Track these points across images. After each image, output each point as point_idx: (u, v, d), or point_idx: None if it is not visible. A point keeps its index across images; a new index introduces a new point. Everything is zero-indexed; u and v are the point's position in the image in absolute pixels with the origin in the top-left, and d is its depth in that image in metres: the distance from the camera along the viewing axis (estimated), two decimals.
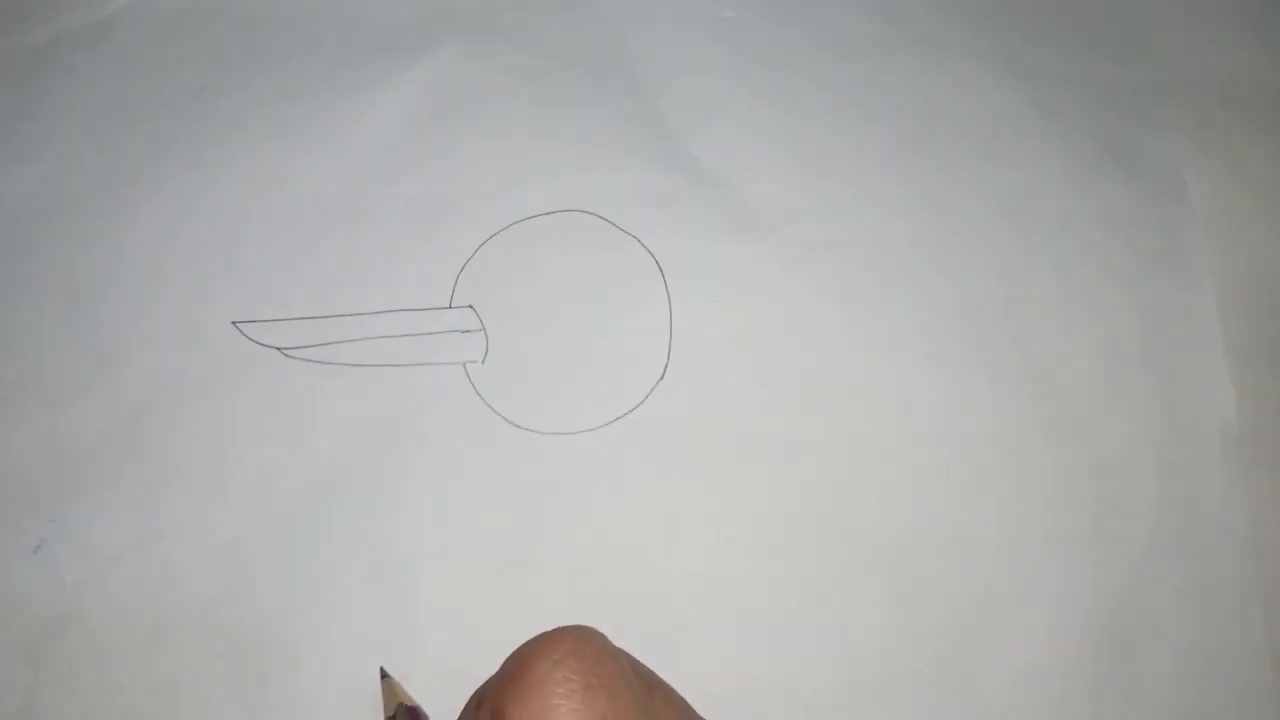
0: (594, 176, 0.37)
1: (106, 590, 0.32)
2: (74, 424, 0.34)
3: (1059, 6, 0.42)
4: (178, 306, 0.35)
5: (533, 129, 0.38)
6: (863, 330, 0.35)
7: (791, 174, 0.38)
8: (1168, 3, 0.42)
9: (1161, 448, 0.35)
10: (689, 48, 0.40)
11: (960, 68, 0.40)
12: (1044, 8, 0.42)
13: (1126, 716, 0.33)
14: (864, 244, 0.37)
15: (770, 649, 0.32)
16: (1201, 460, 0.35)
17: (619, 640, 0.25)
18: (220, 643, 0.32)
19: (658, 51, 0.40)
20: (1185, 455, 0.35)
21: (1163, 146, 0.40)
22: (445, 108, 0.38)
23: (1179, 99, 0.41)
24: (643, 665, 0.25)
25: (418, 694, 0.31)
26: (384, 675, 0.31)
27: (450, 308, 0.35)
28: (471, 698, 0.25)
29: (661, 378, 0.35)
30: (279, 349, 0.35)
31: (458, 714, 0.25)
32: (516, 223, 0.37)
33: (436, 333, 0.35)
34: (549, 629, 0.23)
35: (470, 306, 0.35)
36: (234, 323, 0.35)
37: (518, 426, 0.34)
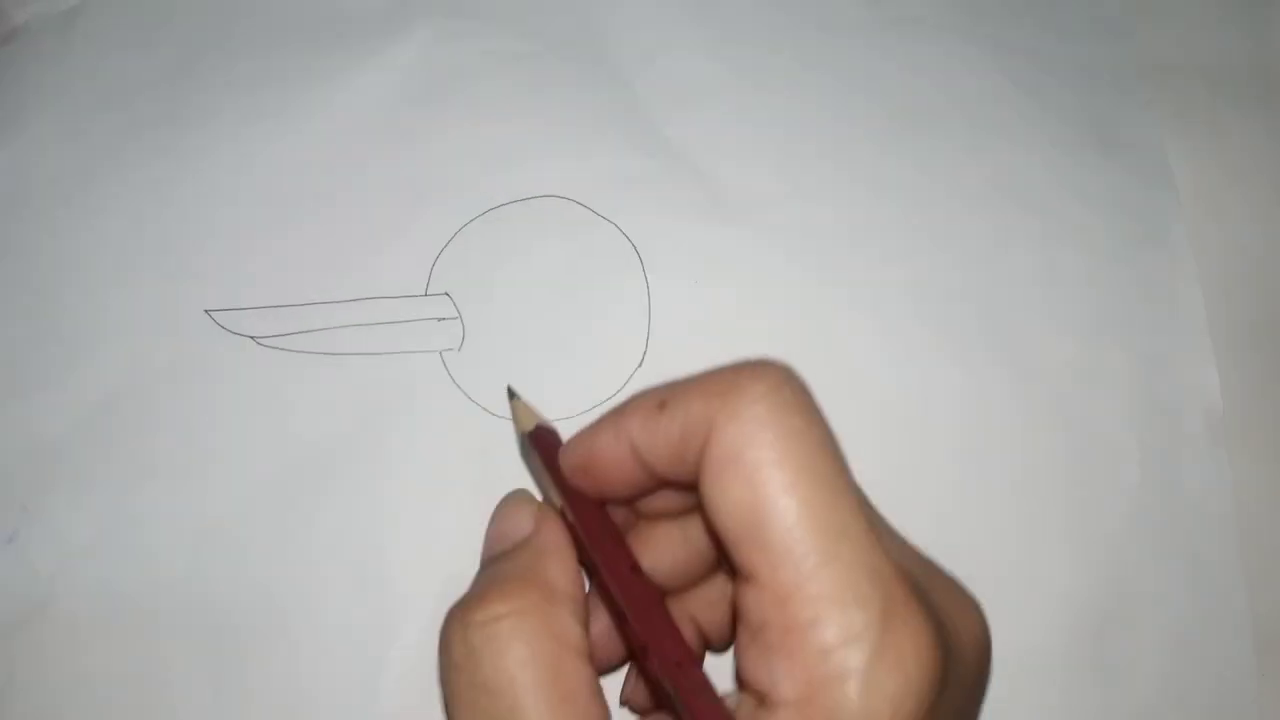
0: (571, 161, 0.37)
1: (81, 580, 0.32)
2: (45, 413, 0.33)
3: None
4: (150, 294, 0.35)
5: (509, 113, 0.38)
6: (842, 314, 0.35)
7: (771, 157, 0.38)
8: None
9: (1144, 430, 0.35)
10: (667, 28, 0.39)
11: (942, 48, 0.40)
12: None
13: (1109, 699, 0.33)
14: (843, 228, 0.37)
15: None
16: (1184, 443, 0.35)
17: None
18: (196, 633, 0.31)
19: (636, 32, 0.39)
20: (1168, 438, 0.35)
21: (1146, 127, 0.39)
22: (420, 92, 0.38)
23: (1163, 79, 0.40)
24: None
25: (397, 682, 0.31)
26: (512, 395, 0.29)
27: (426, 295, 0.35)
28: (641, 400, 0.24)
29: (640, 364, 0.34)
30: (252, 337, 0.34)
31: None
32: (493, 209, 0.36)
33: (412, 320, 0.35)
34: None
35: (446, 294, 0.35)
36: (207, 311, 0.35)
37: (495, 414, 0.34)
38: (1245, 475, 0.35)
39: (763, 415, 0.22)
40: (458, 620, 0.23)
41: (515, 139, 0.37)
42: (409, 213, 0.36)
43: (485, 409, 0.34)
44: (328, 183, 0.36)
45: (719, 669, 0.29)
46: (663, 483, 0.24)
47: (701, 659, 0.29)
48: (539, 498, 0.29)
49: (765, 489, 0.21)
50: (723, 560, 0.25)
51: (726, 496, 0.22)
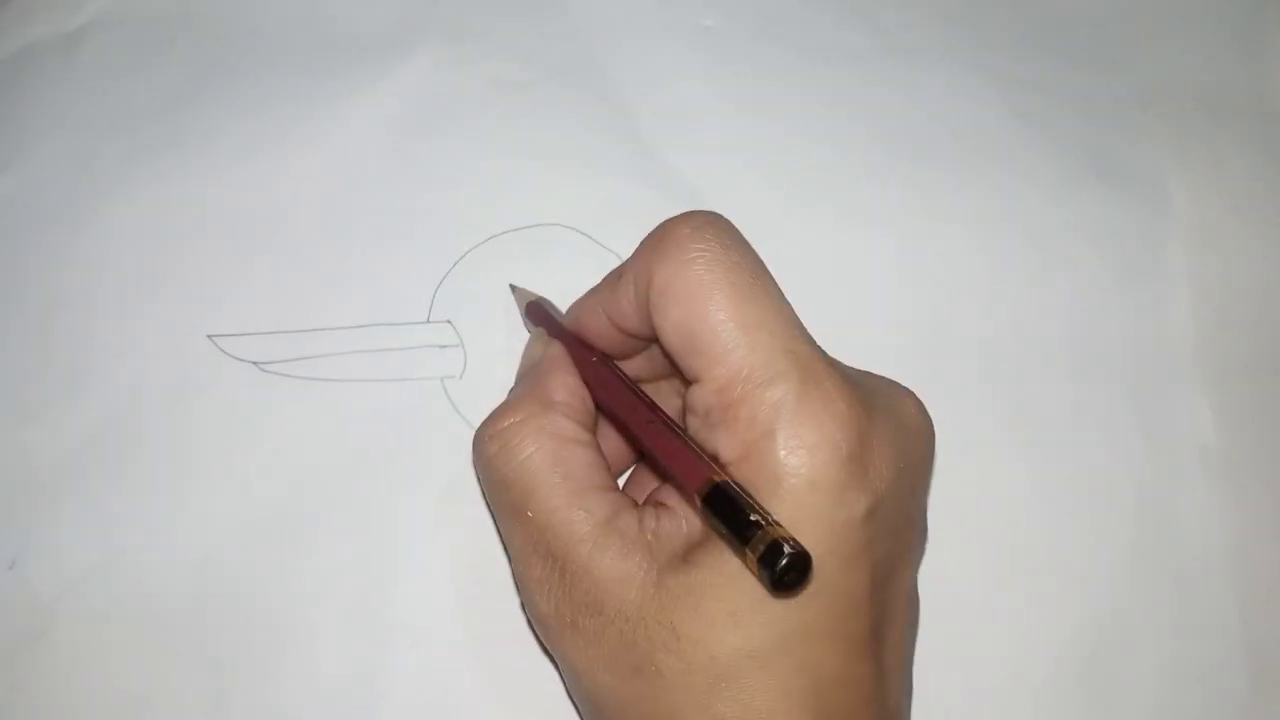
0: (572, 190, 0.37)
1: (81, 606, 0.32)
2: (48, 438, 0.33)
3: (1041, 17, 0.42)
4: (152, 319, 0.35)
5: (511, 141, 0.38)
6: (836, 344, 0.35)
7: (770, 186, 0.38)
8: (1150, 13, 0.42)
9: (1139, 464, 0.35)
10: (669, 58, 0.40)
11: (942, 79, 0.40)
12: (1025, 18, 0.42)
13: None
14: (840, 259, 0.37)
15: None
16: (1179, 477, 0.35)
17: None
18: (196, 659, 0.31)
19: (637, 61, 0.39)
20: (1163, 472, 0.35)
21: (1144, 157, 0.40)
22: (423, 119, 0.38)
23: (1160, 109, 0.41)
24: None
25: (398, 711, 0.31)
26: (512, 288, 0.35)
27: (428, 322, 0.35)
28: (607, 276, 0.29)
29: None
30: (255, 363, 0.34)
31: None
32: (495, 236, 0.36)
33: (414, 348, 0.35)
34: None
35: (448, 321, 0.35)
36: (209, 336, 0.35)
37: None
38: (1240, 509, 0.35)
39: (688, 251, 0.26)
40: (478, 437, 0.28)
41: (517, 167, 0.37)
42: (411, 240, 0.36)
43: None
44: (330, 209, 0.37)
45: None
46: (638, 339, 0.29)
47: None
48: None
49: (694, 305, 0.25)
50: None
51: (667, 319, 0.26)
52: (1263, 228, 0.39)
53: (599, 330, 0.29)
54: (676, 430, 0.26)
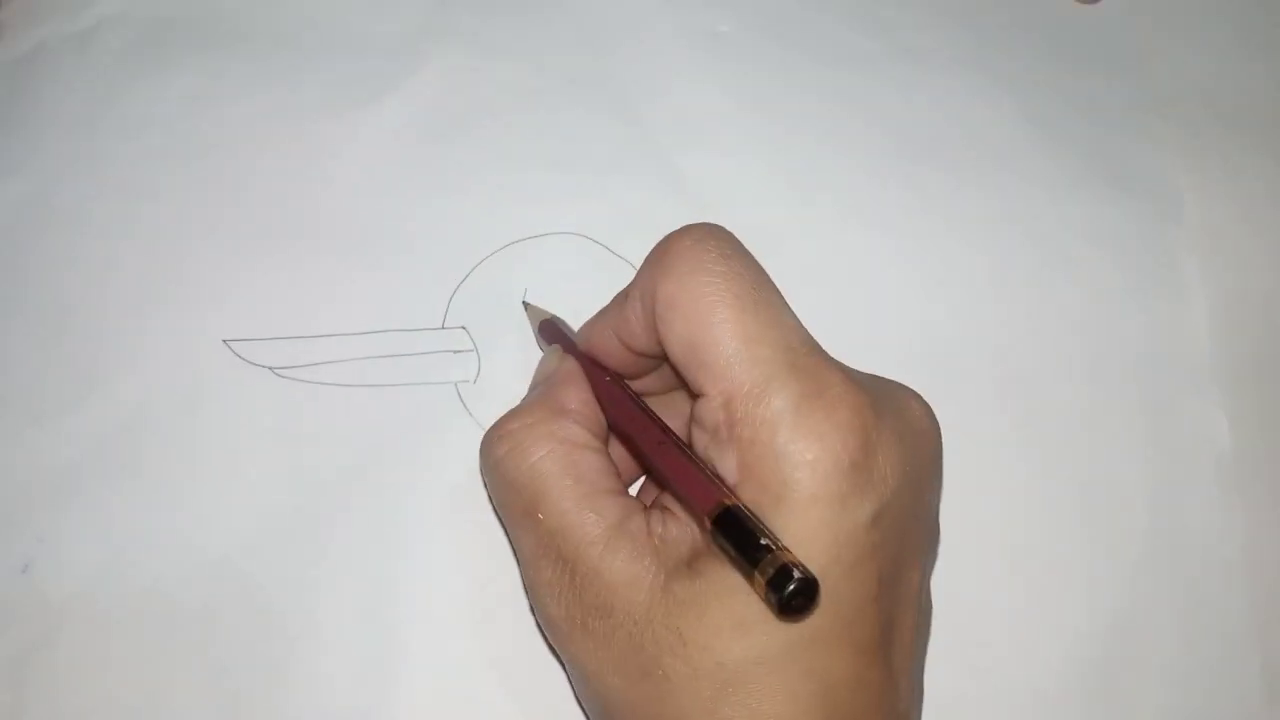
0: (587, 198, 0.37)
1: (93, 610, 0.32)
2: (62, 442, 0.33)
3: (1054, 21, 0.42)
4: (167, 324, 0.35)
5: (525, 149, 0.38)
6: (847, 350, 0.35)
7: (783, 193, 0.38)
8: (1163, 17, 0.42)
9: (1151, 471, 0.35)
10: (681, 63, 0.40)
11: (953, 82, 0.40)
12: (1038, 22, 0.42)
13: None
14: (851, 263, 0.37)
15: None
16: (1193, 484, 0.35)
17: None
18: (207, 663, 0.31)
19: (651, 67, 0.39)
20: (1177, 479, 0.35)
21: (1156, 162, 0.40)
22: (438, 126, 0.38)
23: (1171, 113, 0.41)
24: None
25: (409, 714, 0.31)
26: (526, 305, 0.35)
27: (443, 328, 0.35)
28: (616, 297, 0.29)
29: None
30: (270, 368, 0.34)
31: None
32: (510, 244, 0.36)
33: (429, 353, 0.35)
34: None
35: (463, 327, 0.35)
36: (225, 341, 0.35)
37: None
38: (1254, 517, 0.35)
39: (690, 264, 0.26)
40: (487, 439, 0.28)
41: (531, 175, 0.37)
42: (426, 246, 0.36)
43: None
44: (346, 214, 0.37)
45: None
46: (648, 358, 0.29)
47: None
48: None
49: (697, 319, 0.25)
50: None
51: (671, 333, 0.26)
52: (1275, 233, 0.39)
53: (610, 350, 0.29)
54: (686, 452, 0.26)
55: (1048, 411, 0.36)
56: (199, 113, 0.38)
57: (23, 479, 0.33)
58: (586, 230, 0.37)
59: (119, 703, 0.31)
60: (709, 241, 0.26)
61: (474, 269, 0.36)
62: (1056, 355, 0.36)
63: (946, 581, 0.32)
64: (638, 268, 0.36)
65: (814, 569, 0.23)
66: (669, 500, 0.27)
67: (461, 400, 0.34)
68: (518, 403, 0.30)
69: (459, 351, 0.35)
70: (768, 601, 0.23)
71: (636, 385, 0.30)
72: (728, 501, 0.24)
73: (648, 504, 0.28)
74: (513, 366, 0.35)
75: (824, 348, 0.26)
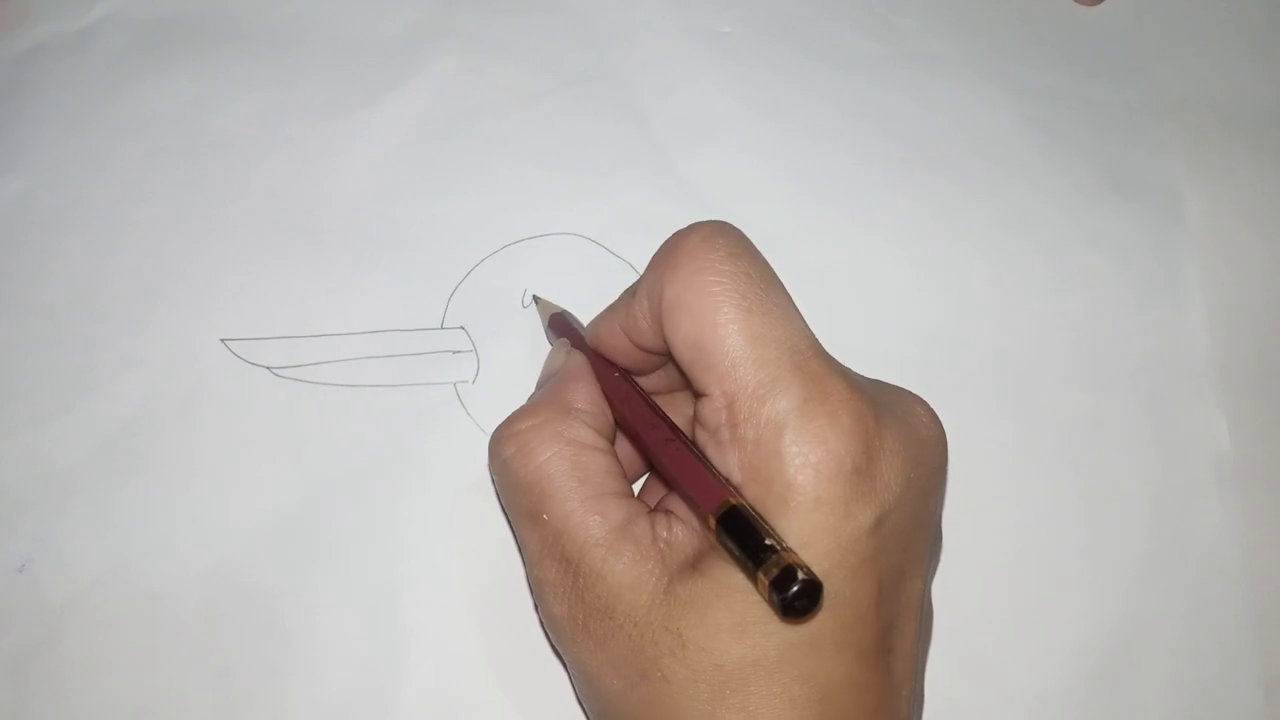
0: (588, 199, 0.37)
1: (91, 611, 0.32)
2: (59, 442, 0.33)
3: (1058, 26, 0.42)
4: (165, 323, 0.35)
5: (526, 149, 0.38)
6: (852, 354, 0.35)
7: (785, 195, 0.38)
8: (1166, 23, 0.42)
9: (1154, 475, 0.35)
10: (685, 65, 0.40)
11: (957, 88, 0.40)
12: (1042, 27, 0.42)
13: None
14: (856, 268, 0.37)
15: None
16: (1194, 488, 0.35)
17: None
18: (205, 665, 0.31)
19: (653, 68, 0.39)
20: (1177, 483, 0.35)
21: (1158, 167, 0.40)
22: (439, 126, 0.38)
23: (1178, 120, 0.40)
24: None
25: (404, 717, 0.31)
26: (536, 299, 0.35)
27: (442, 328, 0.35)
28: (624, 293, 0.29)
29: None
30: (268, 368, 0.34)
31: None
32: (509, 245, 0.36)
33: (428, 353, 0.35)
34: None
35: (462, 328, 0.35)
36: (223, 340, 0.35)
37: None
38: (1254, 521, 0.35)
39: (697, 262, 0.26)
40: (496, 438, 0.28)
41: (532, 175, 0.37)
42: (426, 246, 0.36)
43: None
44: (345, 214, 0.37)
45: None
46: (655, 355, 0.29)
47: None
48: None
49: (703, 318, 0.25)
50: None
51: (677, 332, 0.26)
52: (1276, 237, 0.39)
53: (617, 347, 0.29)
54: (693, 450, 0.26)
55: (1048, 415, 0.36)
56: (197, 113, 0.38)
57: (20, 479, 0.33)
58: (587, 231, 0.37)
59: (119, 704, 0.31)
60: (717, 240, 0.26)
61: (473, 269, 0.36)
62: (1057, 358, 0.36)
63: (946, 585, 0.32)
64: (638, 269, 0.36)
65: (816, 572, 0.23)
66: (674, 503, 0.27)
67: (460, 400, 0.34)
68: (519, 402, 0.30)
69: (458, 352, 0.35)
70: (770, 602, 0.23)
71: (642, 384, 0.30)
72: (733, 500, 0.24)
73: (651, 504, 0.28)
74: (512, 367, 0.35)
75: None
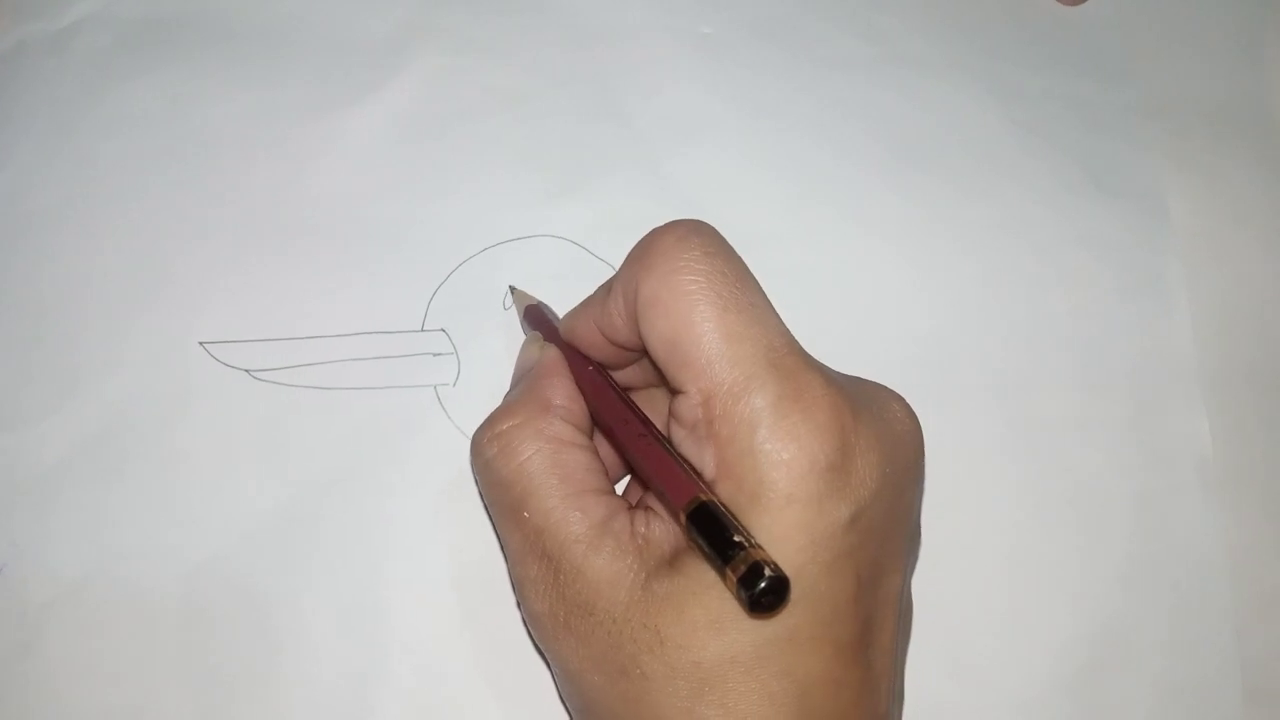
0: (569, 201, 0.37)
1: (70, 616, 0.32)
2: (37, 445, 0.33)
3: (1042, 26, 0.42)
4: (144, 325, 0.35)
5: (509, 151, 0.38)
6: (835, 354, 0.35)
7: (769, 196, 0.38)
8: (1151, 23, 0.42)
9: (1136, 476, 0.35)
10: (667, 65, 0.39)
11: (942, 88, 0.40)
12: (1027, 27, 0.42)
13: None
14: (842, 268, 0.37)
15: None
16: (1176, 489, 0.35)
17: None
18: (187, 668, 0.31)
19: (636, 69, 0.39)
20: (1160, 484, 0.35)
21: (1145, 167, 0.40)
22: (421, 127, 0.38)
23: (1162, 121, 0.40)
24: None
25: (389, 716, 0.31)
26: (512, 290, 0.35)
27: (422, 330, 0.35)
28: (599, 289, 0.29)
29: None
30: (247, 371, 0.34)
31: None
32: (491, 247, 0.36)
33: (408, 355, 0.35)
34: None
35: (443, 330, 0.35)
36: (201, 343, 0.34)
37: None
38: (1237, 521, 0.35)
39: (673, 261, 0.26)
40: (477, 439, 0.28)
41: (514, 177, 0.37)
42: (406, 248, 0.36)
43: None
44: (326, 216, 0.36)
45: None
46: (629, 351, 0.29)
47: None
48: None
49: (678, 316, 0.25)
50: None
51: (653, 330, 0.26)
52: (1262, 239, 0.39)
53: (591, 342, 0.29)
54: (666, 445, 0.26)
55: (1033, 414, 0.36)
56: (179, 113, 0.38)
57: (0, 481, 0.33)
58: (569, 233, 0.37)
59: (102, 707, 0.31)
60: (692, 239, 0.26)
61: (453, 271, 0.36)
62: (1043, 357, 0.36)
63: (931, 585, 0.32)
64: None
65: (789, 569, 0.23)
66: (653, 499, 0.27)
67: (441, 403, 0.34)
68: (499, 403, 0.30)
69: (438, 354, 0.35)
70: (739, 598, 0.23)
71: (617, 380, 0.30)
72: (703, 497, 0.24)
73: (633, 503, 0.28)
74: (492, 369, 0.35)
75: (811, 351, 0.26)
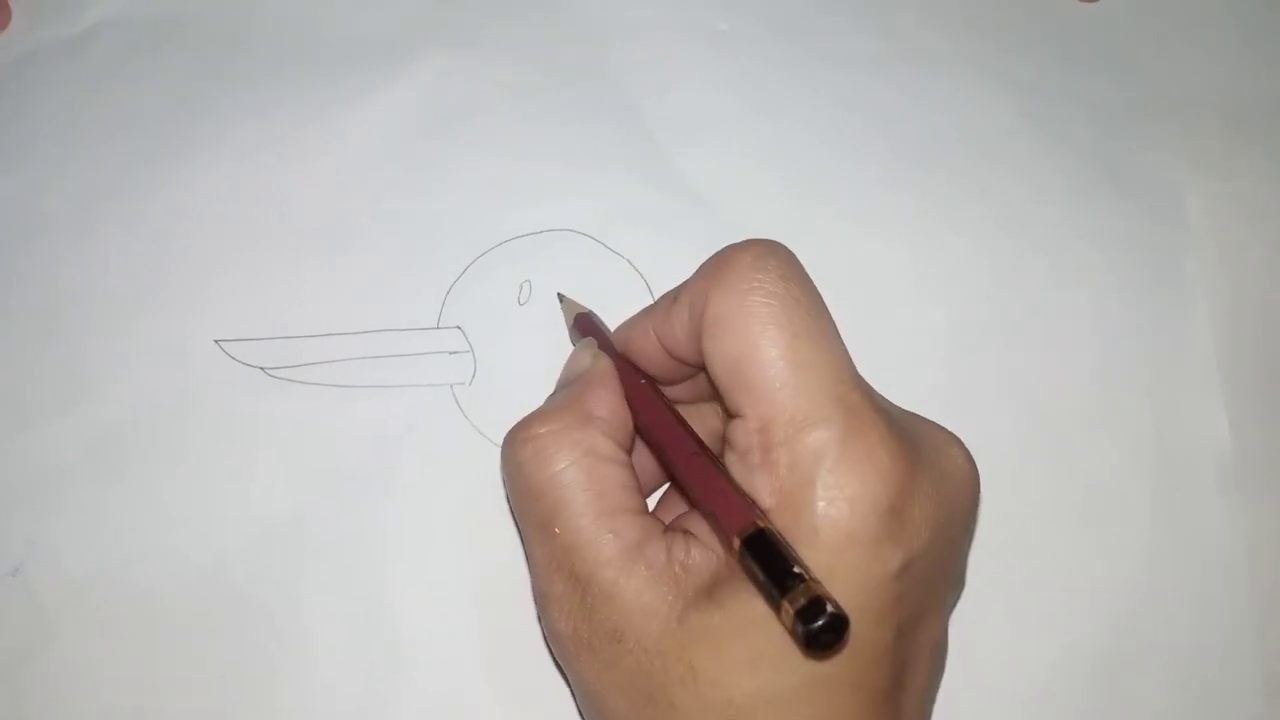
0: (583, 195, 0.37)
1: (85, 614, 0.32)
2: (52, 444, 0.33)
3: (1056, 24, 0.42)
4: (159, 324, 0.35)
5: (521, 146, 0.38)
6: (851, 353, 0.35)
7: (783, 192, 0.38)
8: (1164, 20, 0.42)
9: (1155, 474, 0.35)
10: (681, 61, 0.39)
11: (955, 84, 0.40)
12: (1040, 25, 0.42)
13: None
14: (854, 265, 0.37)
15: None
16: (1195, 487, 0.35)
17: None
18: (199, 668, 0.31)
19: (648, 64, 0.39)
20: (1178, 482, 0.35)
21: (1159, 164, 0.39)
22: (432, 123, 0.38)
23: (1176, 117, 0.40)
24: None
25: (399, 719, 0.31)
26: (561, 298, 0.35)
27: (438, 328, 0.35)
28: (663, 297, 0.28)
29: None
30: (262, 368, 0.34)
31: None
32: (505, 242, 0.36)
33: (423, 353, 0.35)
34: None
35: (458, 327, 0.35)
36: (216, 341, 0.34)
37: None
38: (1255, 519, 0.35)
39: (747, 280, 0.25)
40: (510, 439, 0.27)
41: (527, 172, 0.37)
42: (421, 245, 0.36)
43: (495, 443, 0.33)
44: (339, 213, 0.36)
45: None
46: (685, 364, 0.28)
47: None
48: None
49: (747, 338, 0.25)
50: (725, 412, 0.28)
51: (717, 349, 0.25)
52: (1276, 234, 0.39)
53: (647, 351, 0.29)
54: (720, 467, 0.26)
55: (1048, 413, 0.35)
56: (191, 113, 0.38)
57: (11, 482, 0.33)
58: (583, 228, 0.36)
59: (114, 707, 0.31)
60: (769, 260, 0.26)
61: (468, 267, 0.36)
62: (1057, 357, 0.36)
63: None
64: (636, 265, 0.36)
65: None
66: (690, 522, 0.27)
67: (457, 402, 0.34)
68: (516, 403, 0.30)
69: (454, 352, 0.35)
70: (793, 633, 0.22)
71: (665, 393, 0.30)
72: (761, 523, 0.23)
73: (667, 521, 0.28)
74: (509, 368, 0.35)
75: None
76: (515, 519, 0.30)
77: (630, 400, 0.28)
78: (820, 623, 0.21)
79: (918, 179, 0.38)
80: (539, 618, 0.28)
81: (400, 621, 0.32)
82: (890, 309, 0.36)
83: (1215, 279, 0.38)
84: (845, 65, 0.40)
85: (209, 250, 0.36)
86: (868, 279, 0.37)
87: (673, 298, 0.28)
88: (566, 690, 0.31)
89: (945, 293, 0.37)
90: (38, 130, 0.37)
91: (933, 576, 0.25)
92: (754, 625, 0.23)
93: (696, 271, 0.27)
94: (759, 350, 0.24)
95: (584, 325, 0.33)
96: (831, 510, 0.23)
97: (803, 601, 0.21)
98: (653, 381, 0.29)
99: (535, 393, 0.34)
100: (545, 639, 0.30)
